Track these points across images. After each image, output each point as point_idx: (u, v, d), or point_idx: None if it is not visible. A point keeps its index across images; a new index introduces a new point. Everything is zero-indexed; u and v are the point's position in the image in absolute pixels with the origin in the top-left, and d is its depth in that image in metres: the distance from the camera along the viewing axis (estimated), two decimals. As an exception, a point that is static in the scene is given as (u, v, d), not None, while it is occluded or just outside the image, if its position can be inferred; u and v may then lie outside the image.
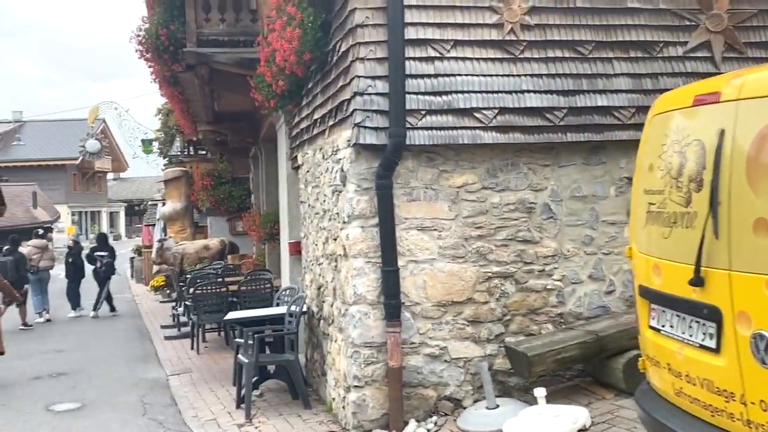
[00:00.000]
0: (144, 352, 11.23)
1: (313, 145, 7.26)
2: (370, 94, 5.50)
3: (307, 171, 7.47)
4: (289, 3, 6.43)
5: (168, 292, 18.86)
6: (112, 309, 16.77)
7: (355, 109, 5.49)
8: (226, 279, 11.48)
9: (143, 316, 15.83)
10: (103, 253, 17.25)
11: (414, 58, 5.58)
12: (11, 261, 13.90)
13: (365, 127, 5.49)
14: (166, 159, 40.18)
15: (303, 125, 7.90)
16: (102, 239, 18.44)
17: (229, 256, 18.17)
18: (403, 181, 5.69)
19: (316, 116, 7.06)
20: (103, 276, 16.86)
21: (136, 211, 61.50)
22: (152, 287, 19.20)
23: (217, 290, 10.41)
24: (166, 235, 22.37)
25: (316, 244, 7.03)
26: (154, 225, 27.82)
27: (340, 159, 5.88)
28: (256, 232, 11.86)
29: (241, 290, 10.29)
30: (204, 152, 27.54)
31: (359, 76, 5.50)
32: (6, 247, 14.36)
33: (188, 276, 13.35)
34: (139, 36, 9.87)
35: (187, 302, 11.41)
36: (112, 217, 65.52)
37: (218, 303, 10.34)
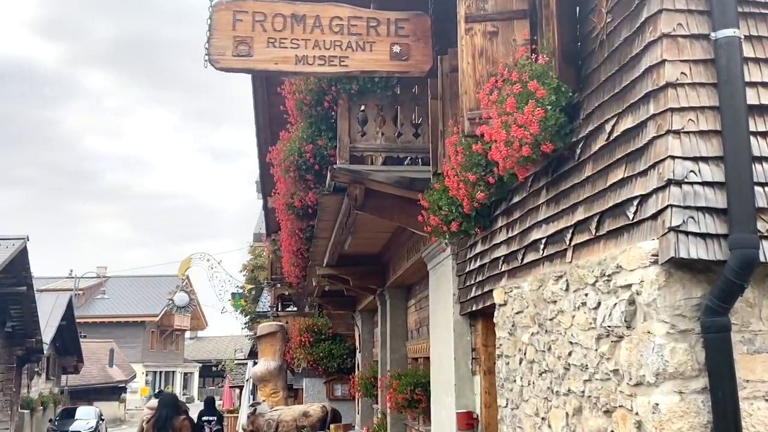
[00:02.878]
0: None
1: (528, 275, 5.32)
2: (692, 183, 3.58)
3: (518, 312, 5.47)
4: (525, 72, 4.71)
5: (261, 465, 16.51)
6: None
7: (669, 206, 3.55)
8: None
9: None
10: (211, 418, 15.32)
11: (758, 133, 3.69)
12: None
13: (686, 233, 3.52)
14: (248, 316, 38.95)
15: (498, 253, 6.02)
16: (210, 403, 16.55)
17: (331, 426, 15.93)
18: (740, 322, 3.63)
19: (535, 236, 5.18)
20: None
21: (211, 372, 59.70)
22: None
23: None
24: (255, 397, 20.35)
25: (546, 417, 4.89)
26: (240, 387, 25.84)
27: (623, 286, 3.89)
28: (392, 397, 9.72)
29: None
30: (295, 308, 25.97)
31: (674, 157, 3.60)
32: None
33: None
34: (277, 159, 8.39)
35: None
36: (186, 378, 63.84)
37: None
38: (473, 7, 5.55)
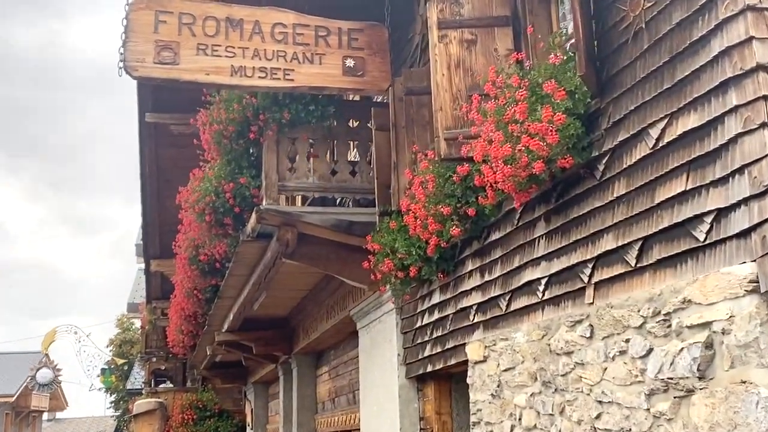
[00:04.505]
0: None
1: (520, 324, 4.44)
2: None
3: (507, 369, 4.55)
4: (541, 74, 3.92)
5: None
6: None
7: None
8: None
9: None
10: None
11: None
12: None
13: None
14: (115, 395, 35.88)
15: (469, 302, 5.14)
16: None
17: None
18: None
19: (530, 276, 4.34)
20: None
21: (72, 456, 54.67)
22: None
23: None
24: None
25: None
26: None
27: (695, 325, 3.06)
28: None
29: None
30: (170, 384, 24.02)
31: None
32: None
33: None
34: (188, 201, 7.21)
35: None
36: (43, 465, 58.10)
37: None
38: (447, 11, 4.78)
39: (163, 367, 24.87)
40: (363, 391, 7.53)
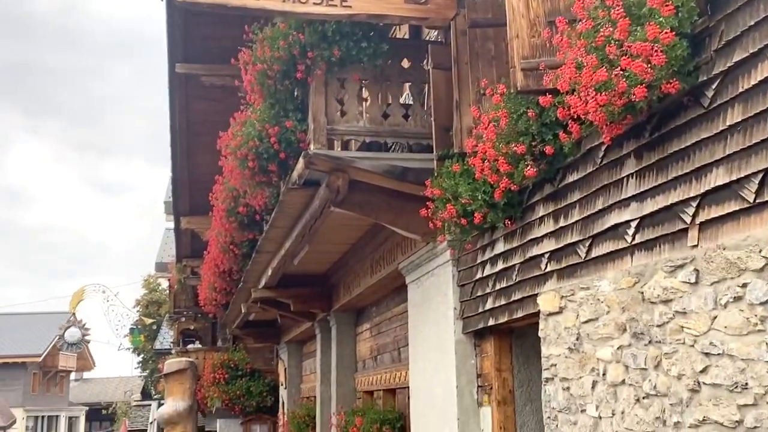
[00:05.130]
0: None
1: (604, 271, 4.07)
2: None
3: (588, 320, 4.20)
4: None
5: None
6: None
7: None
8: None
9: None
10: None
11: None
12: None
13: None
14: (142, 356, 36.12)
15: (540, 250, 4.77)
16: None
17: (255, 471, 14.17)
18: None
19: (617, 219, 3.96)
20: None
21: (100, 415, 55.52)
22: None
23: None
24: (161, 441, 18.22)
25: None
26: (140, 431, 23.36)
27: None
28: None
29: None
30: (198, 345, 24.01)
31: None
32: None
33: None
34: (230, 146, 6.87)
35: None
36: (71, 423, 59.12)
37: None
38: (523, -72, 4.34)
39: (192, 327, 24.87)
40: (413, 347, 7.23)
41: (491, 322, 5.57)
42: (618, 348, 3.90)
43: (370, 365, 9.93)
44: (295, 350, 15.49)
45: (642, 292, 3.70)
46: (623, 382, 3.84)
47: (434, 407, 6.50)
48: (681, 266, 3.46)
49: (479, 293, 5.77)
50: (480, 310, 5.76)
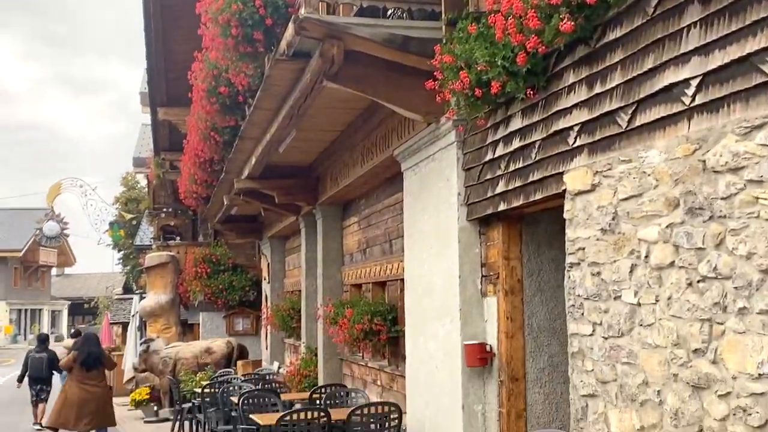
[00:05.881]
0: None
1: (652, 141, 3.52)
2: None
3: (628, 197, 3.67)
4: None
5: (156, 408, 14.33)
6: None
7: None
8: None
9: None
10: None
11: None
12: (46, 359, 14.02)
13: None
14: (123, 252, 35.74)
15: (568, 122, 4.20)
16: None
17: (238, 363, 13.95)
18: None
19: (671, 79, 3.38)
20: None
21: (82, 310, 55.71)
22: (133, 401, 14.63)
23: (314, 420, 6.23)
24: (143, 335, 17.98)
25: (708, 347, 3.14)
26: (122, 323, 23.13)
27: None
28: (345, 328, 7.80)
29: (354, 422, 6.22)
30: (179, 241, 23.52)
31: None
32: (36, 346, 14.62)
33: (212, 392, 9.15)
34: (210, 10, 6.11)
35: None
36: (54, 316, 59.47)
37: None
38: None
39: (172, 223, 24.36)
40: (409, 238, 6.73)
41: (502, 207, 5.05)
42: (667, 226, 3.38)
43: (359, 258, 9.48)
44: (278, 245, 15.05)
45: (703, 161, 3.16)
46: (672, 264, 3.34)
47: (433, 298, 6.06)
48: (759, 127, 2.90)
49: (488, 176, 5.22)
50: (488, 194, 5.22)
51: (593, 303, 3.90)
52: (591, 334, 3.90)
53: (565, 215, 4.18)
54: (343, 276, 10.12)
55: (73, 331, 16.28)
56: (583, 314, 3.99)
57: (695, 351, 3.19)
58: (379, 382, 8.32)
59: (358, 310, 7.80)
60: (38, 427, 13.95)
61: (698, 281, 3.19)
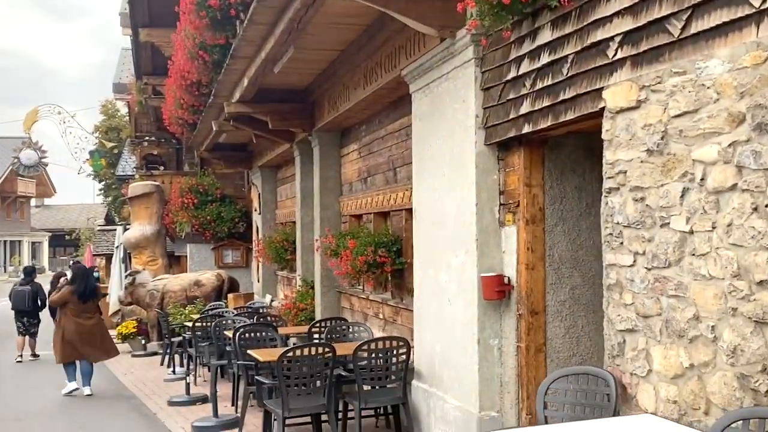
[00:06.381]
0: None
1: (711, 50, 3.15)
2: None
3: (680, 114, 3.32)
4: None
5: (144, 342, 14.14)
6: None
7: None
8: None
9: (122, 379, 11.10)
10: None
11: None
12: (29, 291, 13.93)
13: None
14: (104, 182, 35.12)
15: (606, 33, 3.81)
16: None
17: (229, 296, 13.71)
18: None
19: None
20: None
21: (63, 241, 55.23)
22: (119, 335, 14.40)
23: (318, 355, 5.99)
24: (128, 267, 17.68)
25: (753, 277, 2.85)
26: (105, 255, 22.79)
27: None
28: (347, 260, 7.50)
29: (360, 357, 5.98)
30: (162, 169, 22.99)
31: None
32: (22, 279, 14.51)
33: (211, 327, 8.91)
34: None
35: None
36: (35, 248, 58.97)
37: (317, 376, 5.95)
38: None
39: (155, 152, 23.79)
40: (418, 165, 6.37)
41: (526, 129, 4.69)
42: (729, 145, 3.05)
43: (359, 188, 9.13)
44: (269, 175, 14.65)
45: (782, 69, 2.81)
46: (733, 187, 3.03)
47: (446, 228, 5.75)
48: None
49: (511, 96, 4.84)
50: (511, 116, 4.86)
51: (635, 231, 3.59)
52: (631, 265, 3.61)
53: (604, 136, 3.84)
54: (341, 206, 9.78)
55: (71, 263, 16.00)
56: (622, 243, 3.68)
57: (759, 283, 2.90)
58: (381, 316, 8.08)
59: (361, 242, 7.49)
60: (20, 360, 13.80)
61: (766, 206, 2.87)
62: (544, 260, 5.03)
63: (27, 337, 14.02)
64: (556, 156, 5.07)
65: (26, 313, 13.96)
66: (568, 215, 5.10)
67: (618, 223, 3.70)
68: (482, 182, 5.26)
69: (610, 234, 3.76)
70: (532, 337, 4.98)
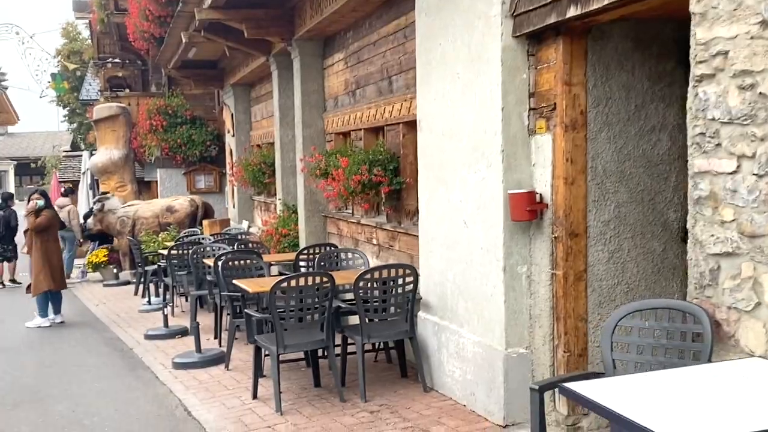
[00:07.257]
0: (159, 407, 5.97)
1: None
2: None
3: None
4: None
5: (116, 271, 13.30)
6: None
7: None
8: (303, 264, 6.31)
9: (94, 311, 10.30)
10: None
11: None
12: (1, 217, 13.34)
13: None
14: (68, 108, 33.63)
15: None
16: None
17: (204, 222, 12.86)
18: None
19: None
20: None
21: (29, 169, 53.50)
22: (90, 264, 13.55)
23: (316, 285, 5.20)
24: (95, 193, 16.71)
25: None
26: (71, 181, 21.65)
27: None
28: (340, 180, 6.66)
29: (363, 287, 5.22)
30: (127, 91, 21.73)
31: None
32: None
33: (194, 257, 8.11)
34: None
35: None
36: (0, 177, 57.21)
37: (317, 310, 5.19)
38: None
39: (120, 74, 22.59)
40: (423, 68, 5.50)
41: (572, 13, 3.85)
42: None
43: (346, 102, 8.24)
44: (242, 94, 13.63)
45: None
46: None
47: (460, 139, 4.94)
48: None
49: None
50: (546, 1, 4.00)
51: (741, 128, 2.81)
52: (734, 172, 2.83)
53: (694, 8, 3.00)
54: (325, 123, 8.90)
55: (63, 190, 15.09)
56: (719, 145, 2.90)
57: None
58: (375, 241, 7.31)
59: (354, 160, 6.66)
60: (1, 286, 13.13)
61: None
62: (585, 173, 4.26)
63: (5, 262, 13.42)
64: (601, 48, 4.25)
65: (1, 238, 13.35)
66: (614, 119, 4.31)
67: (714, 119, 2.91)
68: (509, 83, 4.43)
69: (702, 134, 2.97)
70: (571, 263, 4.24)
